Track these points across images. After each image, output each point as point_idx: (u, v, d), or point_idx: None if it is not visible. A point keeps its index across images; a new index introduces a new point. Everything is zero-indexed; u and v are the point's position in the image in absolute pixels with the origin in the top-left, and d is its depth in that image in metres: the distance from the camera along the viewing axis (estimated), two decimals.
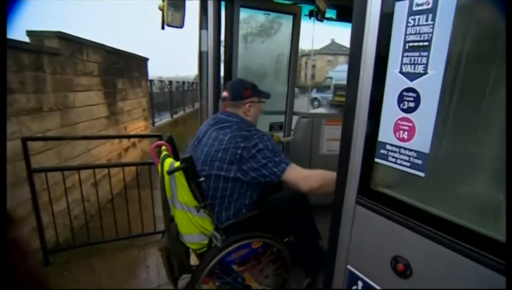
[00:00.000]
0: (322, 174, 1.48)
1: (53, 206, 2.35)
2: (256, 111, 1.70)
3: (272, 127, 2.55)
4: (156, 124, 6.30)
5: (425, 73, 0.83)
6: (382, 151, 0.97)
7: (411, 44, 0.85)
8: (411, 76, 0.86)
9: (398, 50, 0.88)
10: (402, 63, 0.88)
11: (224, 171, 1.46)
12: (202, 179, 1.41)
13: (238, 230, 1.52)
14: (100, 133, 3.60)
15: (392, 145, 0.94)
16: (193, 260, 1.77)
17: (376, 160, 0.99)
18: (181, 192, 1.41)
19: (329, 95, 15.15)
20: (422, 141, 0.86)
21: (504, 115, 0.67)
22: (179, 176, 1.38)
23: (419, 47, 0.83)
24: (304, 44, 2.58)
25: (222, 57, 2.18)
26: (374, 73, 0.96)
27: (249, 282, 1.67)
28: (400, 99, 0.89)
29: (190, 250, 1.66)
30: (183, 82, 9.28)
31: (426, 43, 0.81)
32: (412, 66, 0.85)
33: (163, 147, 1.57)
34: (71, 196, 2.74)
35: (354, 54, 1.03)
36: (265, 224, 1.60)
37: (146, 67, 5.57)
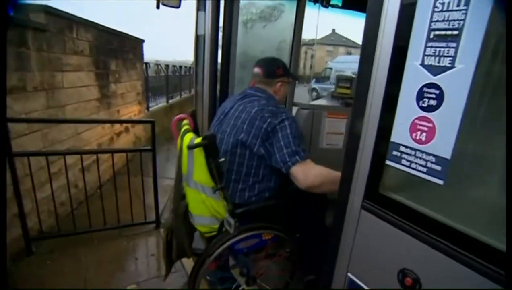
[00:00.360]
0: (323, 171, 1.38)
1: (37, 192, 2.22)
2: (285, 91, 1.67)
3: None
4: (151, 109, 6.13)
5: (452, 67, 0.72)
6: (395, 152, 0.87)
7: (437, 32, 0.74)
8: (435, 70, 0.75)
9: (421, 39, 0.77)
10: (424, 55, 0.77)
11: (249, 144, 1.40)
12: (222, 159, 1.34)
13: (252, 217, 1.44)
14: (90, 117, 3.45)
15: (407, 147, 0.84)
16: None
17: (388, 162, 0.89)
18: (198, 171, 1.36)
19: (328, 86, 14.95)
20: (443, 144, 0.76)
21: None
22: (198, 154, 1.32)
23: (446, 36, 0.72)
24: (305, 33, 2.44)
25: (220, 42, 2.04)
26: (390, 64, 0.85)
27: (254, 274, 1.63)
28: (420, 95, 0.79)
29: (196, 233, 1.62)
30: (180, 67, 9.04)
31: (455, 32, 0.70)
32: (437, 58, 0.74)
33: (185, 121, 1.53)
34: (58, 182, 2.62)
35: (368, 42, 0.91)
36: (279, 215, 1.54)
37: (142, 49, 5.35)
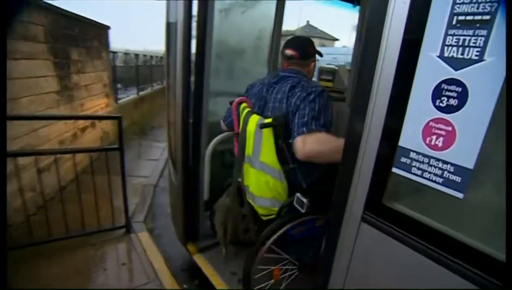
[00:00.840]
0: (324, 137, 1.25)
1: None
2: (314, 69, 1.67)
3: None
4: (120, 102, 5.74)
5: (480, 60, 0.60)
6: (403, 159, 0.75)
7: (461, 17, 0.61)
8: (457, 63, 0.63)
9: (440, 25, 0.64)
10: (444, 44, 0.64)
11: (291, 116, 1.35)
12: (291, 141, 1.31)
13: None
14: (48, 113, 3.10)
15: (418, 153, 0.72)
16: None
17: (394, 170, 0.77)
18: (265, 151, 1.36)
19: None
20: (465, 152, 0.64)
21: None
22: (268, 135, 1.33)
23: (474, 22, 0.60)
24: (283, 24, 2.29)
25: (194, 31, 1.84)
26: (400, 55, 0.72)
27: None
28: (437, 93, 0.67)
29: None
30: (151, 56, 8.57)
31: (486, 17, 0.58)
32: (460, 49, 0.62)
33: (244, 104, 1.53)
34: (10, 186, 2.32)
35: (371, 29, 0.78)
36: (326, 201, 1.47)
37: (108, 37, 4.94)
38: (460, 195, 0.66)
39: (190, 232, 2.21)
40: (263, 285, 1.57)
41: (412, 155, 0.73)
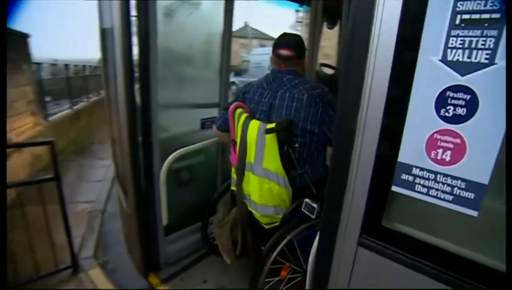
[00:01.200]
0: None
1: None
2: (308, 65, 1.72)
3: (204, 124, 2.09)
4: (51, 118, 5.06)
5: (491, 63, 0.53)
6: (404, 176, 0.67)
7: (466, 16, 0.54)
8: (463, 68, 0.56)
9: (440, 26, 0.57)
10: (447, 47, 0.57)
11: (310, 130, 1.39)
12: (297, 145, 1.35)
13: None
14: None
15: (422, 169, 0.64)
16: None
17: (394, 188, 0.69)
18: (268, 158, 1.34)
19: (247, 78, 15.05)
20: (477, 166, 0.57)
21: None
22: (271, 140, 1.31)
23: (481, 22, 0.53)
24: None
25: (135, 37, 1.61)
26: (394, 60, 0.63)
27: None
28: (441, 102, 0.59)
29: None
30: (84, 66, 7.78)
31: (496, 15, 0.51)
32: (467, 52, 0.55)
33: (240, 110, 1.47)
34: None
35: (357, 28, 0.68)
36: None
37: (28, 46, 4.31)
38: (474, 213, 0.59)
39: (150, 262, 1.97)
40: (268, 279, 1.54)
41: (415, 171, 0.65)
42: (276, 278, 1.56)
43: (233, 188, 1.61)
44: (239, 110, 1.48)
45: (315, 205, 1.25)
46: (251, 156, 1.41)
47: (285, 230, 1.38)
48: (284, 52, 1.47)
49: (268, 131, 1.29)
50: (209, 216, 1.87)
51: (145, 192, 1.79)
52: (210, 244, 1.89)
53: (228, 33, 2.10)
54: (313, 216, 1.27)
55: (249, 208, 1.52)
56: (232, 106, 1.49)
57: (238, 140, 1.45)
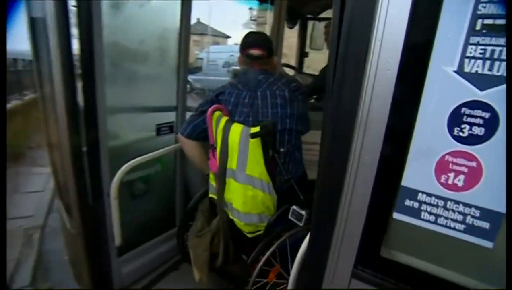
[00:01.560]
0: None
1: None
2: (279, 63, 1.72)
3: (159, 130, 1.88)
4: None
5: None
6: (408, 202, 0.58)
7: (488, 21, 0.46)
8: (483, 82, 0.48)
9: (458, 30, 0.48)
10: (464, 56, 0.48)
11: (295, 126, 1.40)
12: (283, 150, 1.35)
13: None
14: None
15: (430, 195, 0.56)
16: None
17: (396, 215, 0.60)
18: (252, 164, 1.30)
19: (201, 76, 14.67)
20: (494, 192, 0.51)
21: None
22: (255, 145, 1.27)
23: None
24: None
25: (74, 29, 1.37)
26: (399, 69, 0.53)
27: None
28: (455, 120, 0.51)
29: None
30: (15, 60, 6.83)
31: None
32: (488, 63, 0.47)
33: (218, 112, 1.40)
34: None
35: (355, 29, 0.57)
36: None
37: None
38: (489, 245, 0.53)
39: (101, 286, 1.74)
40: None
41: (421, 197, 0.57)
42: (264, 280, 1.49)
43: (212, 195, 1.54)
44: (217, 113, 1.42)
45: (303, 212, 1.21)
46: (232, 162, 1.37)
47: (270, 238, 1.35)
48: (255, 51, 1.46)
49: (253, 135, 1.26)
50: (185, 224, 1.74)
51: (93, 210, 1.55)
52: (185, 253, 1.75)
53: (185, 29, 1.91)
54: (301, 224, 1.23)
55: (231, 217, 1.46)
56: (210, 109, 1.42)
57: (218, 145, 1.39)
